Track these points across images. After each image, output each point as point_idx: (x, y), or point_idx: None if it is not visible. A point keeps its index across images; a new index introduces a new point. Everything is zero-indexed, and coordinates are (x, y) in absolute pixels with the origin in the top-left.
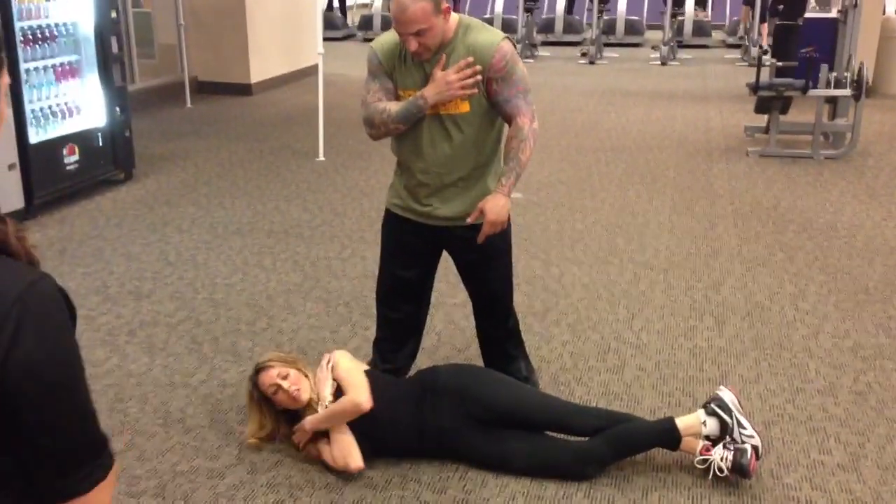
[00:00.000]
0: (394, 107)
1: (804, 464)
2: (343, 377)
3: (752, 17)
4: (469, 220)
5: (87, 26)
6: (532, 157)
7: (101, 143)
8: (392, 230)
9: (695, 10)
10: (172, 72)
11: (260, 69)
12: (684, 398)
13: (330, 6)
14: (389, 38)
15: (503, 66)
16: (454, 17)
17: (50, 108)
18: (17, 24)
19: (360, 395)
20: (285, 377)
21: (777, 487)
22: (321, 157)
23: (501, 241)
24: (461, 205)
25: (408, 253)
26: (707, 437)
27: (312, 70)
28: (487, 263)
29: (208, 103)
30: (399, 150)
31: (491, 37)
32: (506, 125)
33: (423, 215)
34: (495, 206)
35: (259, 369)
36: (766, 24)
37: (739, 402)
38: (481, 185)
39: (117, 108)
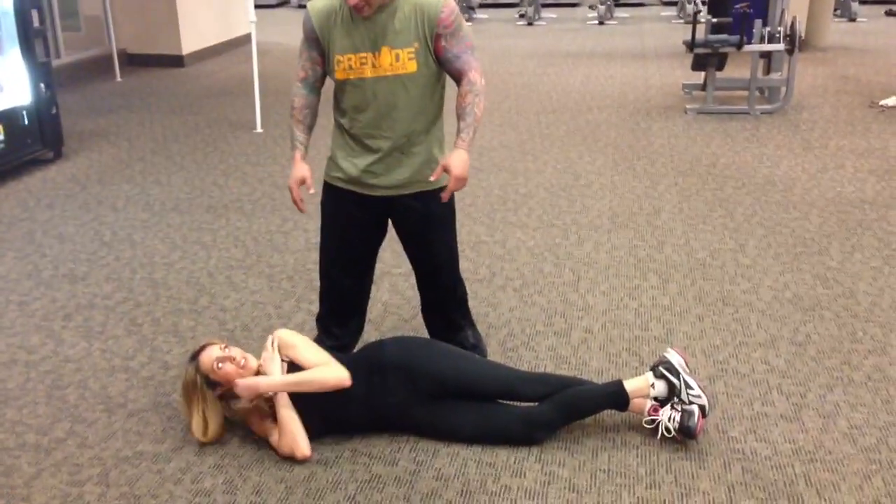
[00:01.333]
0: (297, 102)
1: (748, 416)
2: (300, 356)
3: None
4: (432, 178)
5: (4, 1)
6: None
7: (26, 122)
8: (333, 204)
9: None
10: (100, 44)
11: (191, 39)
12: (631, 358)
13: None
14: (325, 2)
15: (452, 21)
16: None
17: None
18: None
19: (342, 370)
20: (225, 359)
21: (722, 441)
22: (259, 129)
23: (446, 208)
24: (407, 172)
25: (351, 226)
26: (655, 399)
27: (246, 39)
28: (433, 232)
29: (139, 76)
30: (345, 116)
31: None
32: (442, 92)
33: (367, 186)
34: (460, 162)
35: (199, 351)
36: None
37: (686, 363)
38: (425, 151)
39: (42, 85)
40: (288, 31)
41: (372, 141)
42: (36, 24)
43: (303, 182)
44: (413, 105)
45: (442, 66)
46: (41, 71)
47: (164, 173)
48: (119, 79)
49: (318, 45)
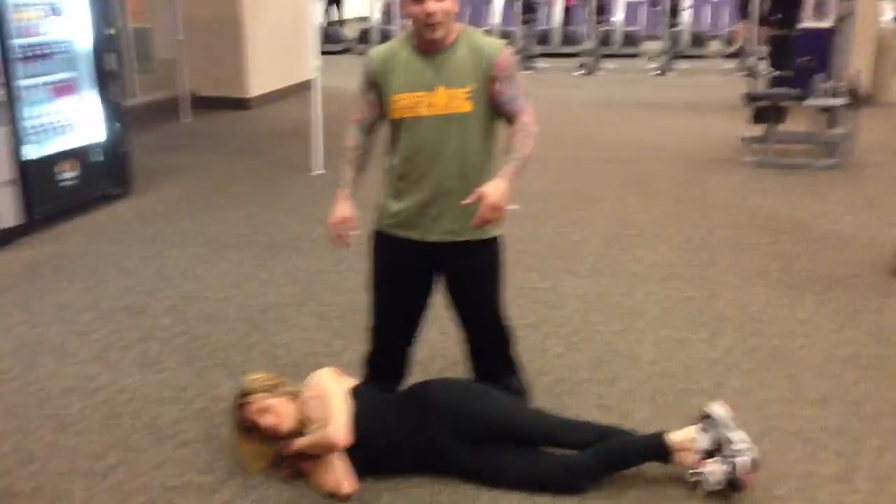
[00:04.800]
0: (349, 143)
1: (796, 475)
2: (325, 406)
3: (745, 29)
4: (466, 202)
5: (83, 43)
6: (529, 165)
7: (99, 159)
8: (383, 251)
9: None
10: (170, 87)
11: (257, 83)
12: (678, 410)
13: (330, 21)
14: (385, 46)
15: (508, 66)
16: (456, 24)
17: (48, 124)
18: (15, 42)
19: (336, 433)
20: (265, 411)
21: (769, 500)
22: (317, 171)
23: (494, 259)
24: (457, 219)
25: (400, 274)
26: (700, 451)
27: (310, 84)
28: (480, 282)
29: (206, 118)
30: (398, 159)
31: (494, 40)
32: (497, 141)
33: (417, 230)
34: (496, 190)
35: (239, 405)
36: (762, 28)
37: (733, 414)
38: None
39: (115, 124)
40: (350, 77)
41: (424, 180)
42: (112, 66)
43: (345, 221)
44: (465, 146)
45: (496, 108)
46: (115, 111)
47: (224, 211)
48: (187, 120)
49: (375, 89)
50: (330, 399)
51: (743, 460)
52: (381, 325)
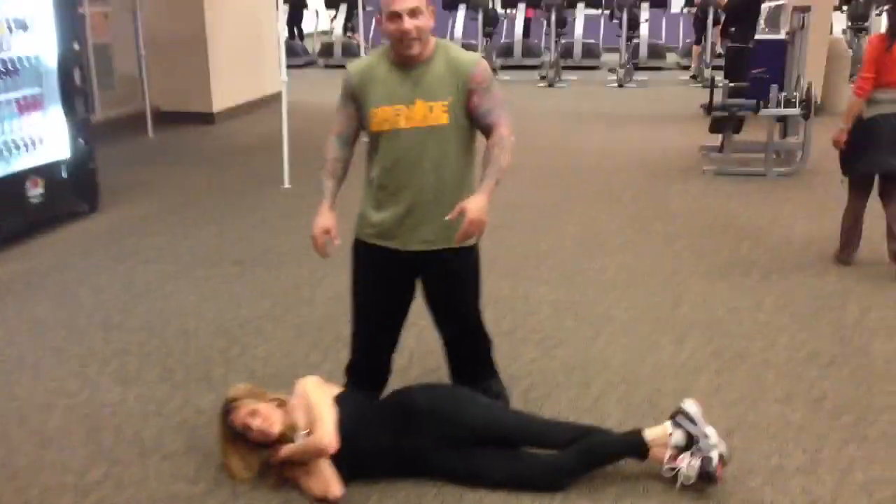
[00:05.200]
0: (329, 154)
1: (765, 468)
2: (310, 412)
3: (703, 49)
4: (448, 217)
5: (49, 59)
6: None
7: (65, 176)
8: (365, 261)
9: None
10: (133, 102)
11: (222, 98)
12: (650, 410)
13: (291, 35)
14: (364, 60)
15: (484, 78)
16: (433, 38)
17: (13, 141)
18: None
19: (323, 439)
20: (254, 414)
21: (740, 492)
22: (287, 185)
23: (471, 266)
24: (436, 228)
25: (382, 283)
26: (675, 447)
27: (274, 98)
28: (458, 289)
29: (170, 133)
30: (377, 170)
31: (470, 54)
32: (474, 153)
33: (397, 240)
34: (477, 206)
35: (228, 410)
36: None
37: (703, 412)
38: (455, 204)
39: (81, 140)
40: (314, 91)
41: (403, 191)
42: (77, 82)
43: (327, 232)
44: (443, 158)
45: (473, 120)
46: (80, 127)
47: (194, 227)
48: (151, 135)
49: (354, 101)
50: (316, 406)
51: (715, 455)
52: (362, 331)
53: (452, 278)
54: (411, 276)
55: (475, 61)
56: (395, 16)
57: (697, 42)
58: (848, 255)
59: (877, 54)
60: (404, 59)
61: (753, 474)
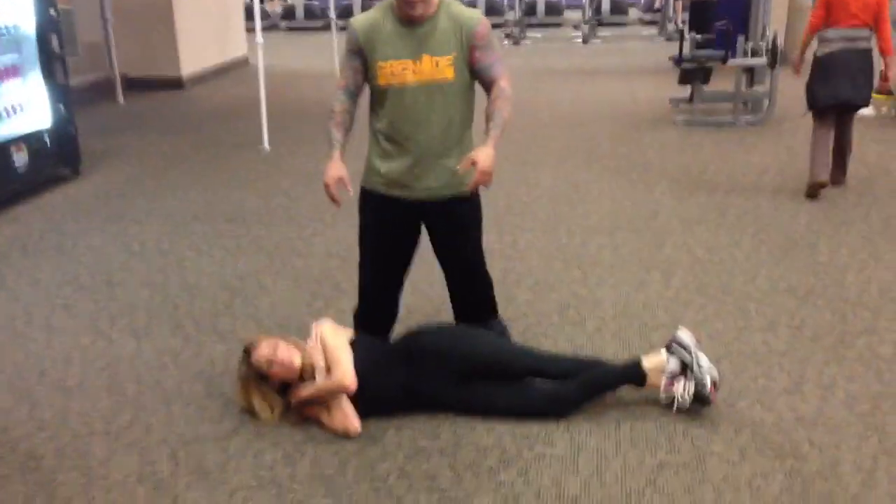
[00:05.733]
0: (337, 107)
1: (753, 390)
2: (328, 354)
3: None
4: (460, 167)
5: (26, 26)
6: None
7: (47, 142)
8: (372, 208)
9: None
10: (98, 69)
11: (190, 62)
12: (642, 343)
13: None
14: (368, 14)
15: (486, 34)
16: None
17: None
18: None
19: (345, 377)
20: (275, 350)
21: (732, 412)
22: (266, 147)
23: (475, 210)
24: (441, 177)
25: (389, 229)
26: (670, 373)
27: (240, 62)
28: (464, 232)
29: (141, 99)
30: (384, 122)
31: (473, 10)
32: (474, 105)
33: (405, 189)
34: (487, 157)
35: (249, 349)
36: (679, 2)
37: (696, 340)
38: (458, 157)
39: (61, 106)
40: (280, 54)
41: (409, 143)
42: (55, 48)
43: (339, 180)
44: (448, 110)
45: (475, 74)
46: (60, 93)
47: (178, 188)
48: (122, 101)
49: (360, 55)
50: (334, 348)
51: (708, 379)
52: (369, 276)
53: (457, 223)
54: (417, 222)
55: (478, 18)
56: None
57: None
58: (819, 175)
59: None
60: (409, 17)
61: (743, 396)
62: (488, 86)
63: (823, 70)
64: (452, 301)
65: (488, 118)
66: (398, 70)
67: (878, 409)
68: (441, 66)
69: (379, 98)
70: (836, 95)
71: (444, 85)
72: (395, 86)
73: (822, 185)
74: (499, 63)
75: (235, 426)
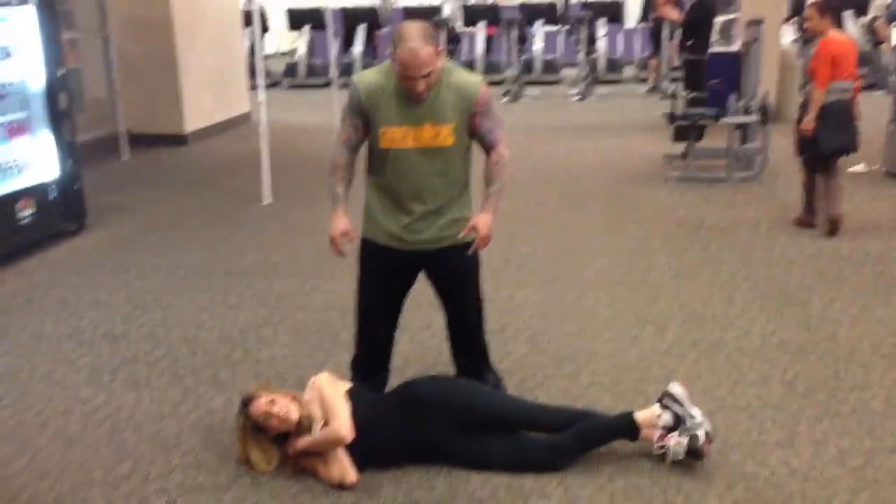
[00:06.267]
0: (339, 161)
1: (746, 444)
2: (325, 406)
3: (660, 62)
4: (461, 235)
5: (34, 84)
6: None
7: (53, 196)
8: (372, 259)
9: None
10: (104, 125)
11: (193, 119)
12: (637, 396)
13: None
14: (372, 75)
15: (486, 101)
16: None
17: (3, 164)
18: None
19: (341, 428)
20: (273, 403)
21: (725, 465)
22: (267, 201)
23: (473, 259)
24: (441, 229)
25: (388, 279)
26: (663, 427)
27: (242, 119)
28: (465, 278)
29: (145, 154)
30: (384, 180)
31: (473, 77)
32: (472, 161)
33: (406, 242)
34: (486, 224)
35: (247, 401)
36: (677, 47)
37: (688, 394)
38: (457, 211)
39: (68, 161)
40: (282, 110)
41: (412, 203)
42: (63, 105)
43: (344, 234)
44: (447, 171)
45: (475, 138)
46: (67, 149)
47: (181, 243)
48: (126, 157)
49: (361, 114)
50: (331, 399)
51: (701, 433)
52: (366, 325)
53: (457, 270)
54: (416, 271)
55: (478, 86)
56: (409, 77)
57: (653, 54)
58: (810, 216)
59: (833, 54)
60: (413, 95)
61: (736, 450)
62: (487, 150)
63: (825, 119)
64: (452, 347)
65: (487, 183)
66: (399, 136)
67: (870, 465)
68: (442, 135)
69: (379, 157)
70: (840, 142)
71: (443, 150)
72: (397, 150)
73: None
74: (498, 128)
75: (232, 477)
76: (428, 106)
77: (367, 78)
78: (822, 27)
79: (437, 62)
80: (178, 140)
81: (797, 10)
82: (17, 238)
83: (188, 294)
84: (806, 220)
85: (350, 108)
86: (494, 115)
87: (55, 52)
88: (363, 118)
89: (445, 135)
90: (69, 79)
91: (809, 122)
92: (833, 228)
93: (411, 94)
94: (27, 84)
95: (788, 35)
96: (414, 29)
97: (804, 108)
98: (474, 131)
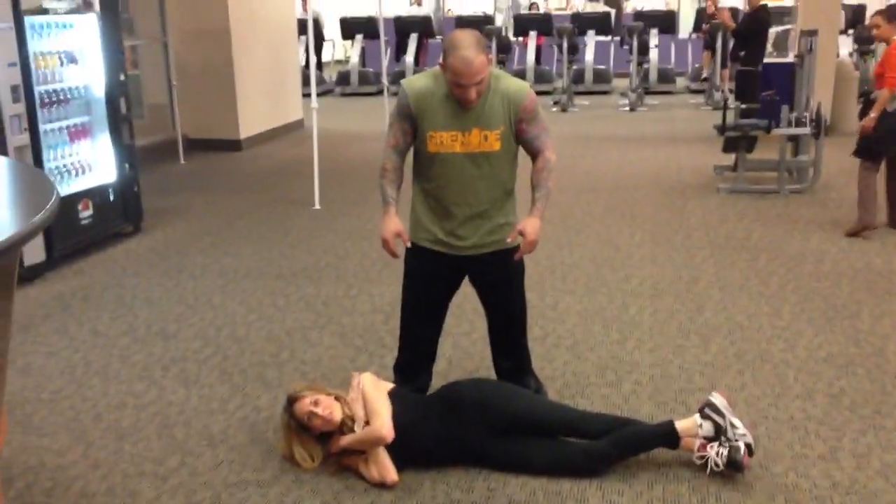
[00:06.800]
0: (388, 165)
1: (789, 456)
2: (367, 405)
3: (714, 61)
4: (509, 240)
5: (96, 89)
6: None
7: (112, 198)
8: (419, 262)
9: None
10: (162, 131)
11: (248, 125)
12: (678, 406)
13: (307, 64)
14: (421, 81)
15: (533, 108)
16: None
17: (66, 166)
18: (36, 88)
19: (382, 428)
20: (317, 403)
21: (766, 476)
22: (317, 206)
23: (519, 264)
24: (487, 234)
25: (433, 282)
26: (704, 437)
27: (295, 125)
28: (509, 284)
29: (200, 159)
30: (430, 184)
31: (520, 84)
32: (517, 165)
33: (452, 247)
34: (534, 229)
35: (292, 401)
36: (727, 70)
37: (730, 404)
38: (503, 216)
39: (126, 165)
40: (334, 117)
41: (456, 208)
42: (123, 110)
43: (397, 235)
44: (495, 177)
45: (521, 144)
46: (126, 152)
47: (233, 246)
48: (182, 162)
49: (410, 119)
50: (373, 399)
51: (742, 444)
52: (411, 327)
53: (502, 275)
54: (460, 276)
55: (525, 93)
56: (461, 85)
57: (707, 48)
58: (871, 219)
59: None
60: (465, 103)
61: (777, 462)
62: (534, 155)
63: (891, 124)
64: (494, 353)
65: (534, 188)
66: (447, 141)
67: None
68: (490, 140)
69: (427, 161)
70: None
71: (490, 154)
72: (444, 154)
73: (873, 229)
74: (545, 134)
75: (276, 474)
76: (476, 112)
77: (416, 83)
78: (889, 33)
79: (488, 70)
80: (233, 146)
81: (854, 21)
82: (77, 238)
83: (238, 295)
84: (863, 227)
85: (399, 112)
86: (541, 121)
87: (117, 58)
88: (411, 122)
89: (492, 140)
90: (129, 85)
91: (870, 121)
92: (854, 232)
93: (463, 102)
94: (90, 89)
95: (845, 47)
96: (467, 37)
97: (866, 109)
98: (520, 137)
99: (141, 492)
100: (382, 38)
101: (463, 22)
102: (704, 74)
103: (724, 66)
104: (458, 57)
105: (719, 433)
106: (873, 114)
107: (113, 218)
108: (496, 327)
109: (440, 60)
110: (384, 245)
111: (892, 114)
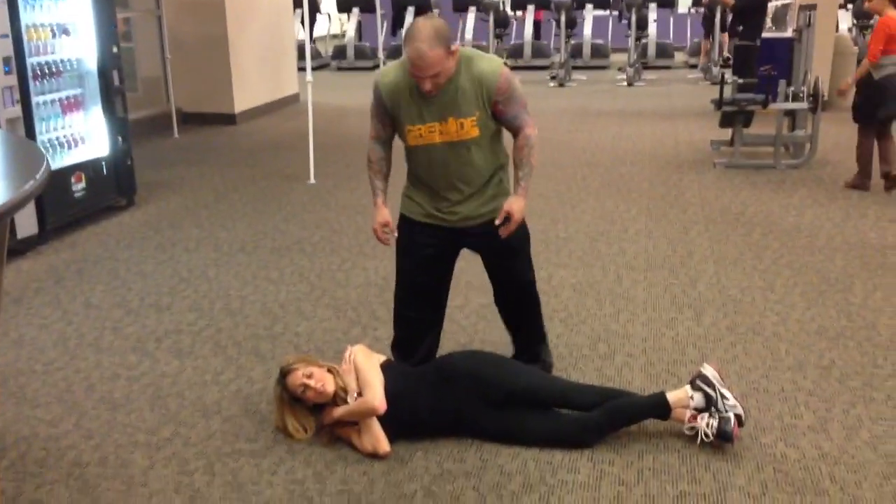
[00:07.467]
0: (373, 156)
1: (778, 427)
2: (360, 377)
3: (711, 48)
4: (497, 222)
5: (90, 62)
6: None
7: (105, 171)
8: (410, 236)
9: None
10: (156, 104)
11: (243, 99)
12: (670, 378)
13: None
14: (392, 74)
15: (507, 88)
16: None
17: (58, 138)
18: (28, 61)
19: (374, 399)
20: (310, 376)
21: (755, 447)
22: (312, 180)
23: (522, 231)
24: (479, 206)
25: (425, 257)
26: (695, 408)
27: (291, 99)
28: (514, 252)
29: (195, 133)
30: (418, 170)
31: (492, 64)
32: (502, 138)
33: (442, 219)
34: (519, 209)
35: (285, 373)
36: (726, 35)
37: (721, 376)
38: (494, 187)
39: (119, 138)
40: (330, 92)
41: (445, 190)
42: (116, 83)
43: (386, 225)
44: (476, 161)
45: (501, 124)
46: (119, 125)
47: (227, 219)
48: (177, 135)
49: (386, 112)
50: (366, 371)
51: (732, 415)
52: (405, 306)
53: (503, 243)
54: (453, 248)
55: (497, 73)
56: (415, 76)
57: (707, 37)
58: (864, 179)
59: (890, 31)
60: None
61: (767, 432)
62: (514, 133)
63: (881, 91)
64: (506, 323)
65: (516, 167)
66: (425, 132)
67: None
68: (466, 127)
69: (412, 152)
70: (890, 110)
71: (470, 141)
72: (424, 146)
73: (865, 190)
74: (523, 112)
75: (269, 444)
76: (450, 100)
77: (387, 77)
78: (881, 6)
79: (449, 62)
80: (228, 119)
81: None
82: (70, 211)
83: (232, 268)
84: (860, 184)
85: (375, 107)
86: (517, 98)
87: (110, 30)
88: (388, 116)
89: (469, 128)
90: (122, 58)
91: (845, 84)
92: (890, 184)
93: (420, 90)
94: (83, 61)
95: (844, 21)
96: (426, 29)
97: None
98: (499, 118)
99: (134, 461)
100: (379, 11)
101: None
102: (701, 66)
103: (723, 31)
104: (412, 48)
105: (710, 404)
106: (850, 79)
107: (106, 191)
108: (507, 301)
109: None
110: (375, 235)
111: (878, 81)
